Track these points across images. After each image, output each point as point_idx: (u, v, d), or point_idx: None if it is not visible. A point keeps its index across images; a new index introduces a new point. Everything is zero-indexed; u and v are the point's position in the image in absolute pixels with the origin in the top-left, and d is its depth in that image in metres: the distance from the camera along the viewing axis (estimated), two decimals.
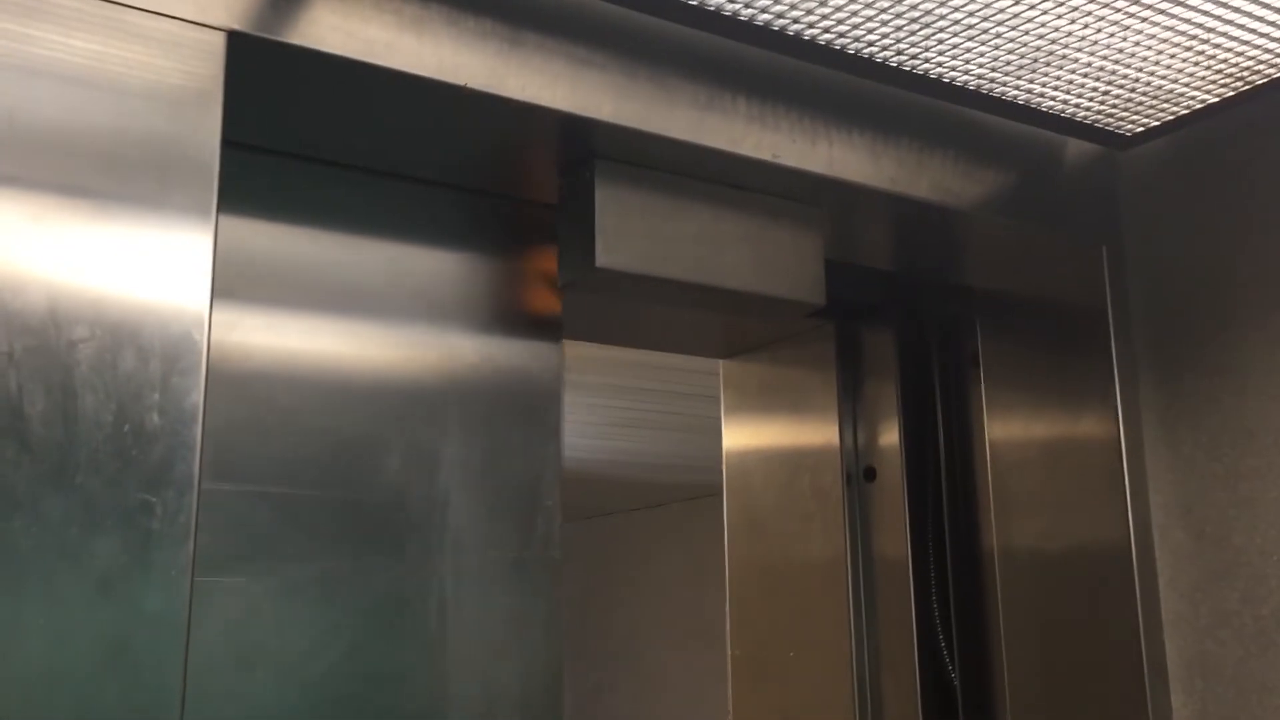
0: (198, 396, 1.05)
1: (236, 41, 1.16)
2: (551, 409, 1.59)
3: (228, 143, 1.15)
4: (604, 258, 1.45)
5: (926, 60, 1.50)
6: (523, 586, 1.50)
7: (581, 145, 1.46)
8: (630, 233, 1.48)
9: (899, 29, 1.42)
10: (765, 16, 1.40)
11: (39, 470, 0.98)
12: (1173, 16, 1.40)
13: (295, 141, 1.45)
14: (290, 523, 1.37)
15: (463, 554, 1.47)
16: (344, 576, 1.38)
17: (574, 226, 1.50)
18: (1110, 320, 1.84)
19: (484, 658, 1.45)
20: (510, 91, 1.32)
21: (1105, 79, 1.56)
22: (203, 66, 1.14)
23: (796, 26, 1.42)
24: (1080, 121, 1.69)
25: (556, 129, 1.42)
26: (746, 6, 1.37)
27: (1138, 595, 1.76)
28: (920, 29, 1.42)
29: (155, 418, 1.03)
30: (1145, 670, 1.73)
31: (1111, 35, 1.44)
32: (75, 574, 0.99)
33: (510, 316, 1.58)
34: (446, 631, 1.43)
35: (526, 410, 1.57)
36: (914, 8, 1.37)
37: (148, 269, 1.07)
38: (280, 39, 1.18)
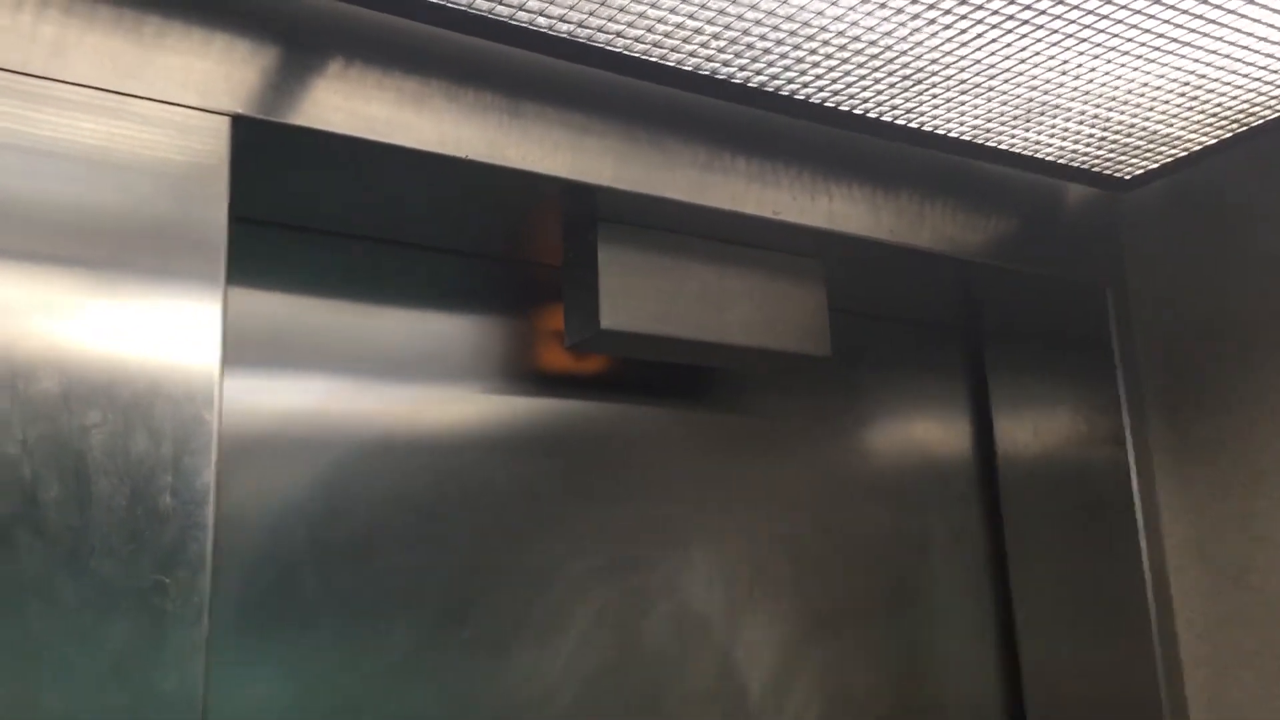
0: (209, 476, 1.06)
1: (241, 124, 1.18)
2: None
3: (238, 219, 1.17)
4: (608, 319, 1.46)
5: (921, 115, 1.52)
6: (981, 639, 2.04)
7: (584, 209, 1.48)
8: (634, 293, 1.49)
9: (891, 86, 1.44)
10: (760, 79, 1.42)
11: (54, 554, 1.00)
12: (1163, 65, 1.42)
13: (303, 215, 1.48)
14: (854, 601, 1.91)
15: (945, 616, 2.01)
16: (888, 636, 1.93)
17: (578, 288, 1.51)
18: (1117, 360, 1.84)
19: (954, 688, 1.99)
20: (511, 161, 1.34)
21: (1100, 126, 1.57)
22: (209, 148, 1.15)
23: (791, 87, 1.44)
24: (1078, 167, 1.71)
25: (558, 195, 1.44)
26: (741, 70, 1.39)
27: (1155, 635, 1.75)
28: (913, 86, 1.44)
29: (168, 499, 1.04)
30: (1165, 712, 1.72)
31: (1104, 84, 1.46)
32: (90, 656, 1.00)
33: None
34: (940, 674, 1.98)
35: (959, 495, 2.10)
36: (905, 66, 1.39)
37: (158, 350, 1.08)
38: (284, 120, 1.20)
